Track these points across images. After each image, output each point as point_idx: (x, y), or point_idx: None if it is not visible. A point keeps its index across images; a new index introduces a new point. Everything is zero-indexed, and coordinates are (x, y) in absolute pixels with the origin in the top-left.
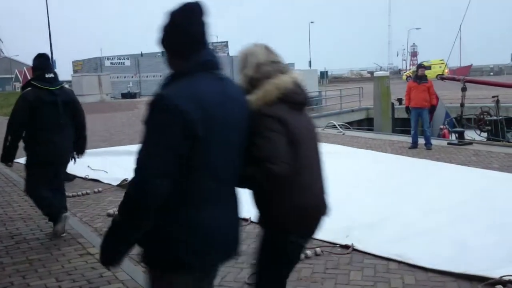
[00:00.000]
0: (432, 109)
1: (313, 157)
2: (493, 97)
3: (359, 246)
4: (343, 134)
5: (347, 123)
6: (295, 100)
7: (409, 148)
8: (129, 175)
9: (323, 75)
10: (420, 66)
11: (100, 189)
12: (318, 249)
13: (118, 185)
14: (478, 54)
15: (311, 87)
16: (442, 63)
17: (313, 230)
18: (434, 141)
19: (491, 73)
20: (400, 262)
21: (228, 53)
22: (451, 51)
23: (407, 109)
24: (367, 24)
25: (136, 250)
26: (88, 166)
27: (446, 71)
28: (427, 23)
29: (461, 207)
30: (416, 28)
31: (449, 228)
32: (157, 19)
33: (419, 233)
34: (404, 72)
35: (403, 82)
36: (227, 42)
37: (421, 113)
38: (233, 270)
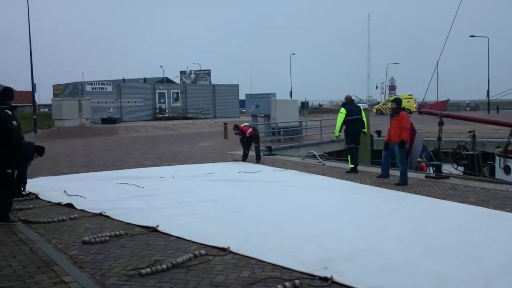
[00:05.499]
0: (400, 143)
1: None
2: (469, 132)
3: (338, 278)
4: (323, 164)
5: (327, 153)
6: None
7: (377, 177)
8: (106, 201)
9: (304, 105)
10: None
11: (76, 215)
12: (297, 281)
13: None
14: (455, 89)
15: (292, 117)
16: (410, 98)
17: None
18: (411, 174)
19: (468, 108)
20: None
21: (210, 81)
22: (429, 86)
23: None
24: (347, 57)
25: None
26: (65, 192)
27: (414, 105)
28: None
29: (438, 240)
30: (395, 63)
31: (427, 261)
32: (140, 45)
33: (397, 265)
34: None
35: (377, 115)
36: (209, 70)
37: (392, 147)
38: None
